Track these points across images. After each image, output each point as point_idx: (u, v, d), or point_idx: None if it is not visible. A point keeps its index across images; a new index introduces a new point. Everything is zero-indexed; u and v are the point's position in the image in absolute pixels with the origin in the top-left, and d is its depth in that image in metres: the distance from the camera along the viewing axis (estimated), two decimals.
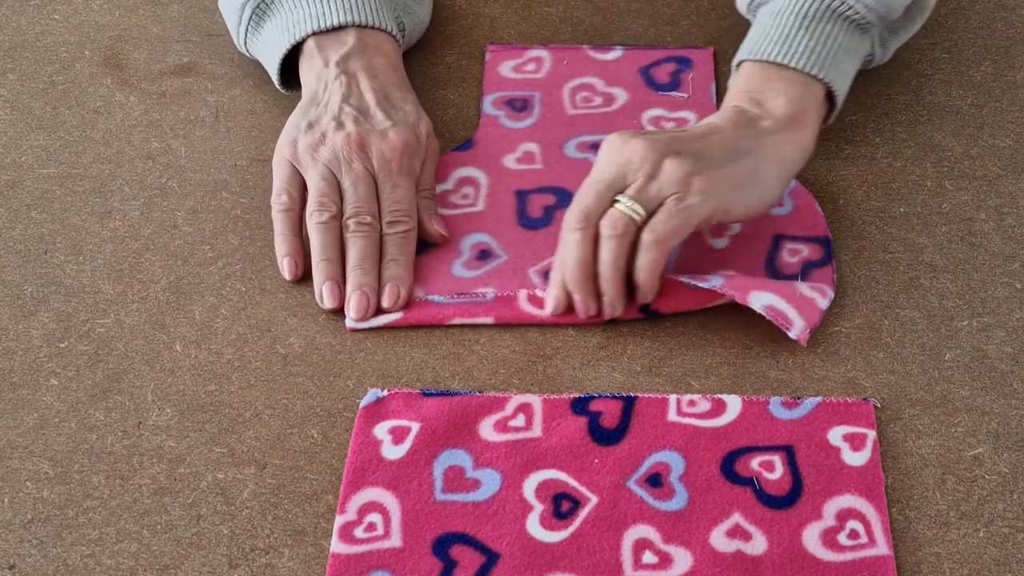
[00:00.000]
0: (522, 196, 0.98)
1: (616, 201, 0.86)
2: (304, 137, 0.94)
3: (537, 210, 0.97)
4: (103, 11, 1.16)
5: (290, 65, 1.03)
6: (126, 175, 1.01)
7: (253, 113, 1.06)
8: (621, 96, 1.06)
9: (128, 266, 0.94)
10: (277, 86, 1.03)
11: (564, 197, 0.97)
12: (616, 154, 0.88)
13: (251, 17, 1.02)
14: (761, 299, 0.86)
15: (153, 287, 0.92)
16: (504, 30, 1.13)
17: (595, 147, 1.01)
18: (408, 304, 0.90)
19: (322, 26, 0.99)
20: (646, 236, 0.85)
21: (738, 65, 0.97)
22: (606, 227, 0.86)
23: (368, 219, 0.91)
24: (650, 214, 0.86)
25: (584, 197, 0.87)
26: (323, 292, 0.90)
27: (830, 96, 0.96)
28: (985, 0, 1.14)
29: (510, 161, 1.01)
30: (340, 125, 0.94)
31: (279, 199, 0.93)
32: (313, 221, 0.91)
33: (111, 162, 1.02)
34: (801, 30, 0.95)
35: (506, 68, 1.09)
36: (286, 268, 0.92)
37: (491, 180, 1.00)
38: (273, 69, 1.02)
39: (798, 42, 0.94)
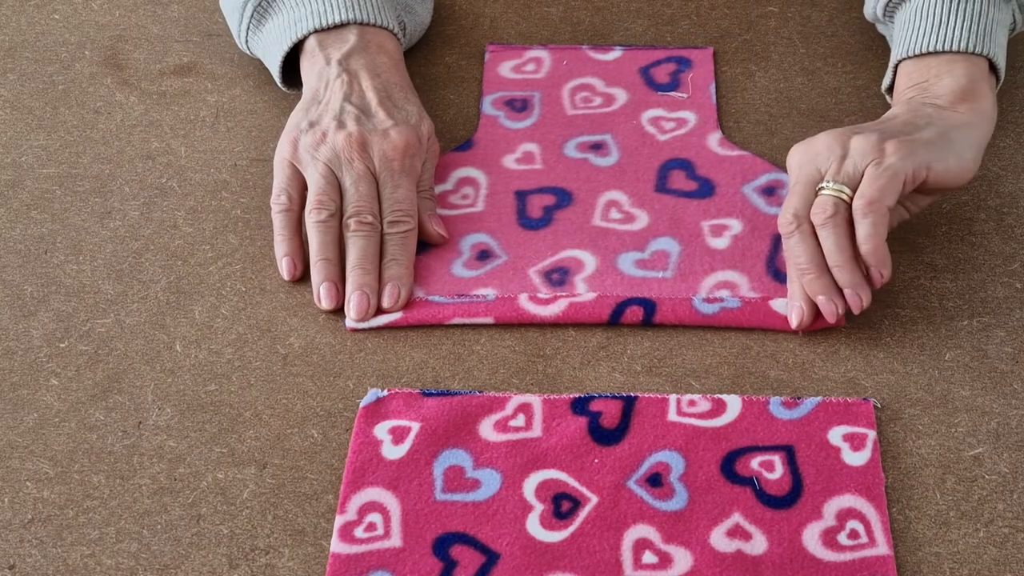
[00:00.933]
0: (522, 196, 0.98)
1: (820, 190, 0.87)
2: (305, 136, 0.94)
3: (537, 210, 0.97)
4: (103, 11, 1.16)
5: (291, 63, 1.02)
6: (126, 175, 1.01)
7: (253, 113, 1.06)
8: (621, 96, 1.06)
9: (128, 266, 0.94)
10: (278, 84, 1.03)
11: (563, 197, 0.98)
12: (803, 155, 0.89)
13: (252, 15, 1.02)
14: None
15: (153, 287, 0.92)
16: (504, 30, 1.13)
17: (595, 147, 1.01)
18: (408, 304, 0.90)
19: (324, 23, 0.99)
20: (857, 203, 0.85)
21: (895, 67, 0.98)
22: (817, 215, 0.86)
23: (369, 218, 0.91)
24: (855, 190, 0.86)
25: (788, 201, 0.88)
26: (320, 293, 0.90)
27: (992, 69, 0.96)
28: None
29: (510, 161, 1.01)
30: (341, 124, 0.94)
31: (278, 199, 0.93)
32: (312, 220, 0.91)
33: (111, 162, 1.02)
34: (952, 13, 0.95)
35: (506, 68, 1.09)
36: (284, 268, 0.92)
37: (491, 180, 1.00)
38: (275, 68, 1.02)
39: (951, 25, 0.95)
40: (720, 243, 0.94)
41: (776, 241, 0.93)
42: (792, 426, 0.82)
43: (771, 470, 0.80)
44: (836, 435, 0.82)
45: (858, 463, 0.80)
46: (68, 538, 0.78)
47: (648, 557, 0.76)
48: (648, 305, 0.89)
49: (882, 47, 1.09)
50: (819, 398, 0.84)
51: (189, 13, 1.15)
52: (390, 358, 0.88)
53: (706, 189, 0.98)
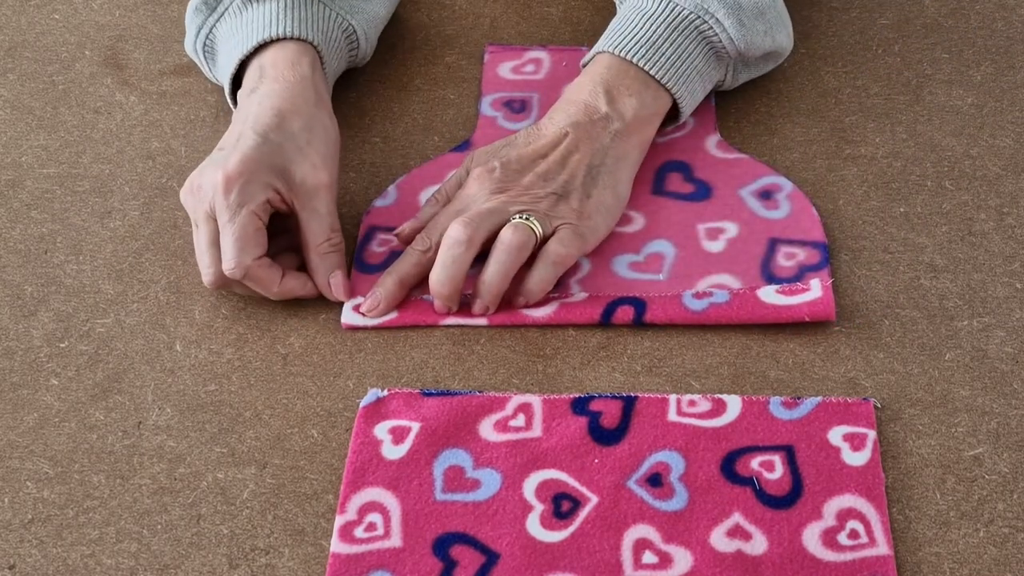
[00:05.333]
0: None
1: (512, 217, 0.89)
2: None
3: None
4: (103, 11, 1.16)
5: None
6: (126, 175, 1.01)
7: None
8: None
9: (128, 266, 0.94)
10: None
11: None
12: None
13: (205, 57, 1.02)
14: (768, 295, 0.88)
15: (153, 287, 0.92)
16: (504, 30, 1.13)
17: None
18: (404, 303, 0.90)
19: (247, 50, 0.96)
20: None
21: (597, 53, 0.98)
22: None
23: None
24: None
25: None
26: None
27: (674, 109, 0.98)
28: (985, 0, 1.14)
29: None
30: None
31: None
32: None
33: (111, 162, 1.02)
34: (668, 42, 0.96)
35: (505, 69, 1.09)
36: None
37: None
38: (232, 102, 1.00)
39: (663, 51, 0.96)
40: (715, 246, 0.93)
41: (771, 245, 0.93)
42: (792, 426, 0.82)
43: (771, 470, 0.80)
44: (836, 435, 0.82)
45: (858, 463, 0.80)
46: (68, 538, 0.78)
47: (648, 557, 0.76)
48: (638, 304, 0.89)
49: (884, 47, 1.09)
50: (819, 398, 0.84)
51: None
52: (390, 358, 0.88)
53: (703, 192, 0.98)
